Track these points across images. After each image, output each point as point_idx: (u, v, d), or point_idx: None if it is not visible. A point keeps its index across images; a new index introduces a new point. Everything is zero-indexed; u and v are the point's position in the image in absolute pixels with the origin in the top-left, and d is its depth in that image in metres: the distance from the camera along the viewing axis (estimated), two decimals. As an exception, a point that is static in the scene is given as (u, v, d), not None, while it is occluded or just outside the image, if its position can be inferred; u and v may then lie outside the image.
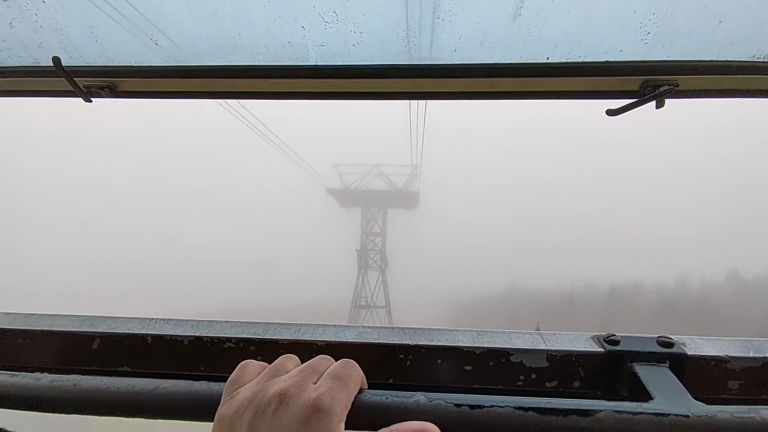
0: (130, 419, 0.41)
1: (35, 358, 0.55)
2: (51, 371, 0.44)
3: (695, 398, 0.40)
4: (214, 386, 0.41)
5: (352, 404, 0.38)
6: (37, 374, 0.43)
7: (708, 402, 0.39)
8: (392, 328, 0.53)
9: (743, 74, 0.70)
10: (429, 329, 0.53)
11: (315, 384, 0.37)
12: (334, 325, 0.54)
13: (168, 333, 0.54)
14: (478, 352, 0.50)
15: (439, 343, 0.51)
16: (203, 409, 0.40)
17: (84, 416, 0.42)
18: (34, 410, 0.42)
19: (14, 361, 0.56)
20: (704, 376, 0.48)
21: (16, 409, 0.43)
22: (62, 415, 0.42)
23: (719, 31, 0.67)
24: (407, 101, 0.74)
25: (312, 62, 0.72)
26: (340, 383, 0.37)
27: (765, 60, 0.69)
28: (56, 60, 0.71)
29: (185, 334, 0.53)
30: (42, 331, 0.55)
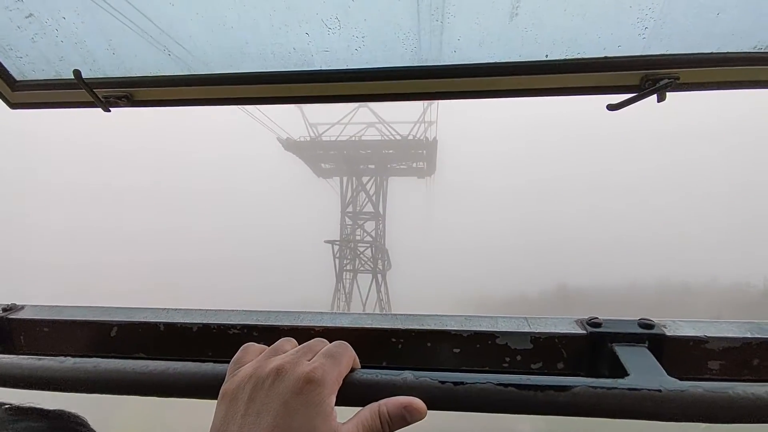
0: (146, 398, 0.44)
1: (59, 345, 0.59)
2: (73, 357, 0.48)
3: (674, 377, 0.41)
4: (219, 367, 0.44)
5: (344, 381, 0.41)
6: (61, 358, 0.47)
7: (688, 381, 0.40)
8: (385, 314, 0.56)
9: (744, 65, 0.70)
10: (420, 315, 0.56)
11: (309, 361, 0.40)
12: (331, 312, 0.58)
13: (178, 321, 0.57)
14: (465, 335, 0.52)
15: (429, 328, 0.53)
16: (210, 387, 0.43)
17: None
18: (58, 390, 0.46)
19: (40, 348, 0.60)
20: (684, 356, 0.49)
21: (43, 389, 0.47)
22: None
23: (718, 22, 0.68)
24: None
25: (317, 67, 0.74)
26: (333, 360, 0.40)
27: (766, 51, 0.69)
28: (77, 73, 0.75)
29: (194, 322, 0.57)
30: (65, 321, 0.59)
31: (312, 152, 17.19)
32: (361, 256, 18.30)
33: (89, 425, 0.48)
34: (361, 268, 18.41)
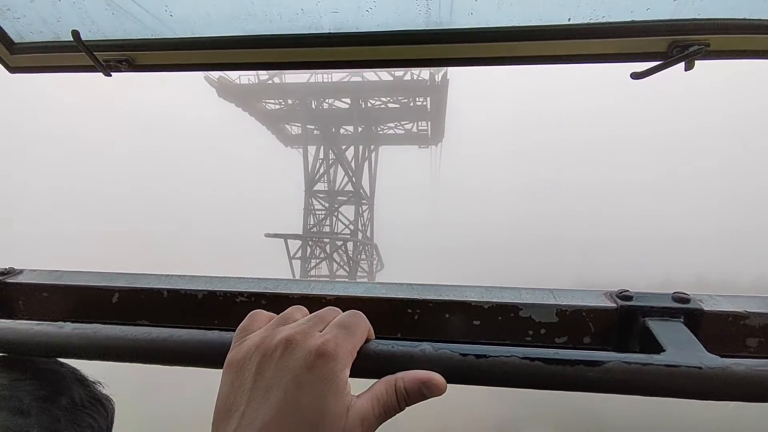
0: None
1: (59, 311, 0.58)
2: (73, 323, 0.46)
3: (711, 353, 0.39)
4: (226, 335, 0.42)
5: (358, 353, 0.38)
6: (60, 323, 0.45)
7: (725, 358, 0.37)
8: (401, 284, 0.54)
9: (779, 33, 0.66)
10: (437, 285, 0.53)
11: (321, 332, 0.38)
12: (344, 281, 0.55)
13: (183, 287, 0.55)
14: (486, 306, 0.50)
15: (447, 298, 0.51)
16: (215, 356, 0.41)
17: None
18: (57, 356, 0.44)
19: (39, 314, 0.58)
20: (721, 332, 0.46)
21: (41, 356, 0.45)
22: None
23: (754, -14, 0.63)
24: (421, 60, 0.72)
25: (325, 30, 0.71)
26: (346, 332, 0.38)
27: (804, 17, 0.65)
28: (75, 34, 0.72)
29: (199, 289, 0.55)
30: (65, 286, 0.58)
31: (262, 102, 11.59)
32: (340, 253, 12.68)
33: (86, 377, 0.47)
34: (340, 272, 12.66)
